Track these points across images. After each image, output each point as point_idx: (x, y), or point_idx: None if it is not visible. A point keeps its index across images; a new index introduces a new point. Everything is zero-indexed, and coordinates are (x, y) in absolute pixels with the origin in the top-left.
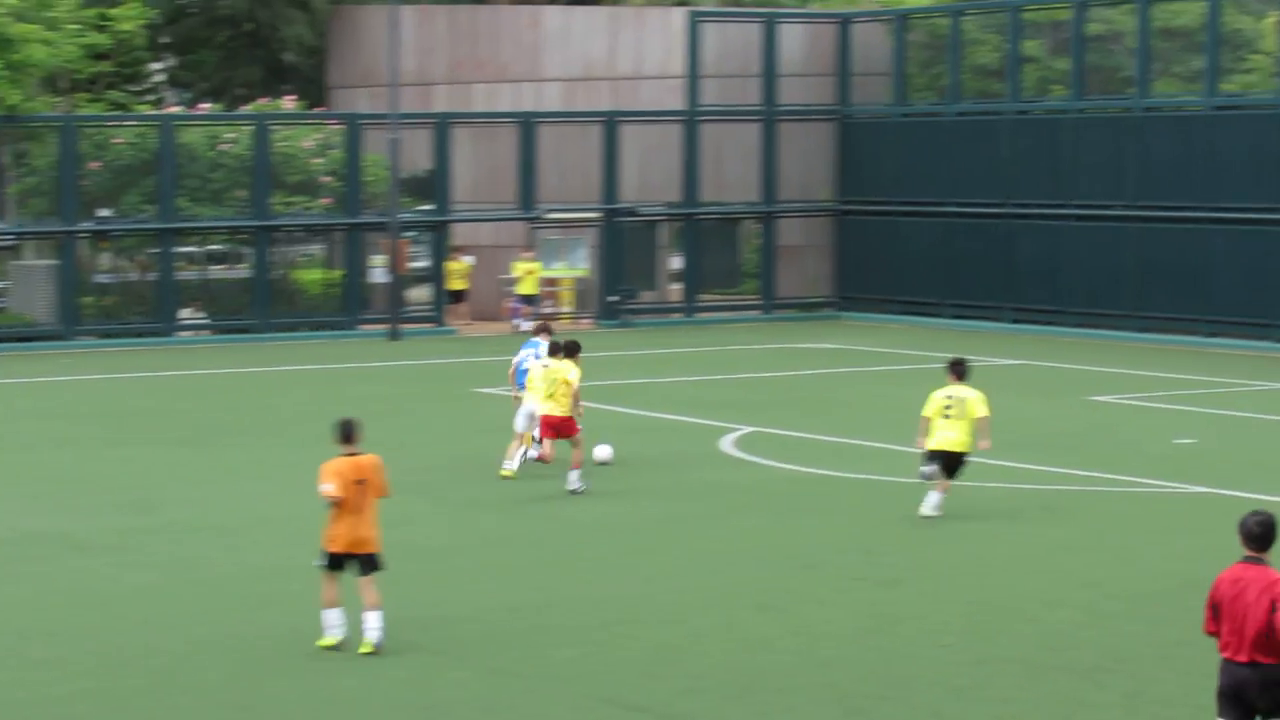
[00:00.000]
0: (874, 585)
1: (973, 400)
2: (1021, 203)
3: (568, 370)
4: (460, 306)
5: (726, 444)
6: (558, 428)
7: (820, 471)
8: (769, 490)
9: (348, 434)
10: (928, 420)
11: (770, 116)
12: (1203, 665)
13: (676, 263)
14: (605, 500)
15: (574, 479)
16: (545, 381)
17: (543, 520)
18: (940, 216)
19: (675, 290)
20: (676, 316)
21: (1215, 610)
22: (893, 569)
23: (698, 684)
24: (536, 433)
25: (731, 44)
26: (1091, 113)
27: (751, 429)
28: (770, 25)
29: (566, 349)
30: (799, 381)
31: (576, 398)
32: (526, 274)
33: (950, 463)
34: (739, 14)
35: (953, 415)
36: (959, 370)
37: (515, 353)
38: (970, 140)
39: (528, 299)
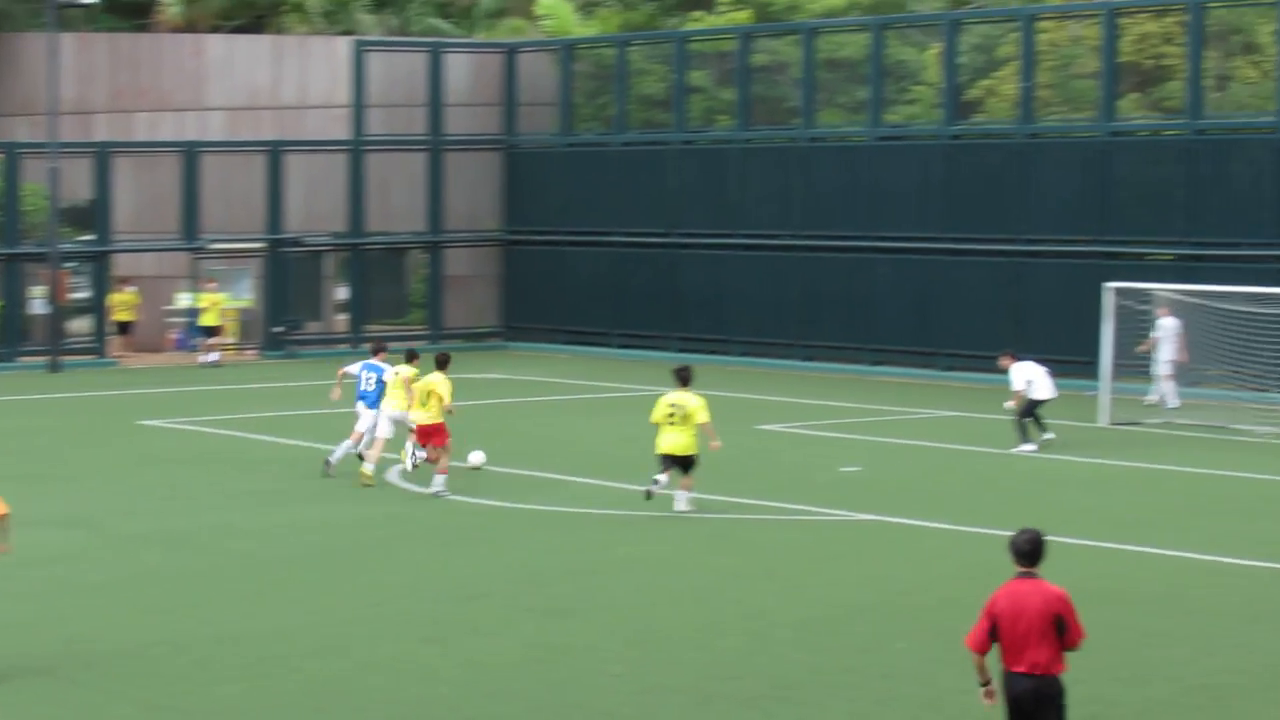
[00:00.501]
0: (542, 615)
1: (694, 406)
2: (688, 232)
3: (439, 381)
4: (126, 339)
5: (393, 475)
6: (430, 434)
7: (487, 502)
8: (435, 522)
9: None
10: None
11: (436, 146)
12: (869, 692)
13: (343, 293)
14: (272, 532)
15: (439, 482)
16: (418, 391)
17: (208, 554)
18: (607, 246)
19: (341, 321)
20: (343, 347)
21: (993, 625)
22: (561, 599)
23: (362, 717)
24: (410, 441)
25: (397, 73)
26: (757, 143)
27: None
28: (436, 55)
29: (438, 361)
30: (467, 412)
31: (448, 407)
32: (211, 305)
33: (681, 464)
34: (404, 43)
35: (676, 421)
36: (683, 377)
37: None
38: (636, 170)
39: (209, 330)
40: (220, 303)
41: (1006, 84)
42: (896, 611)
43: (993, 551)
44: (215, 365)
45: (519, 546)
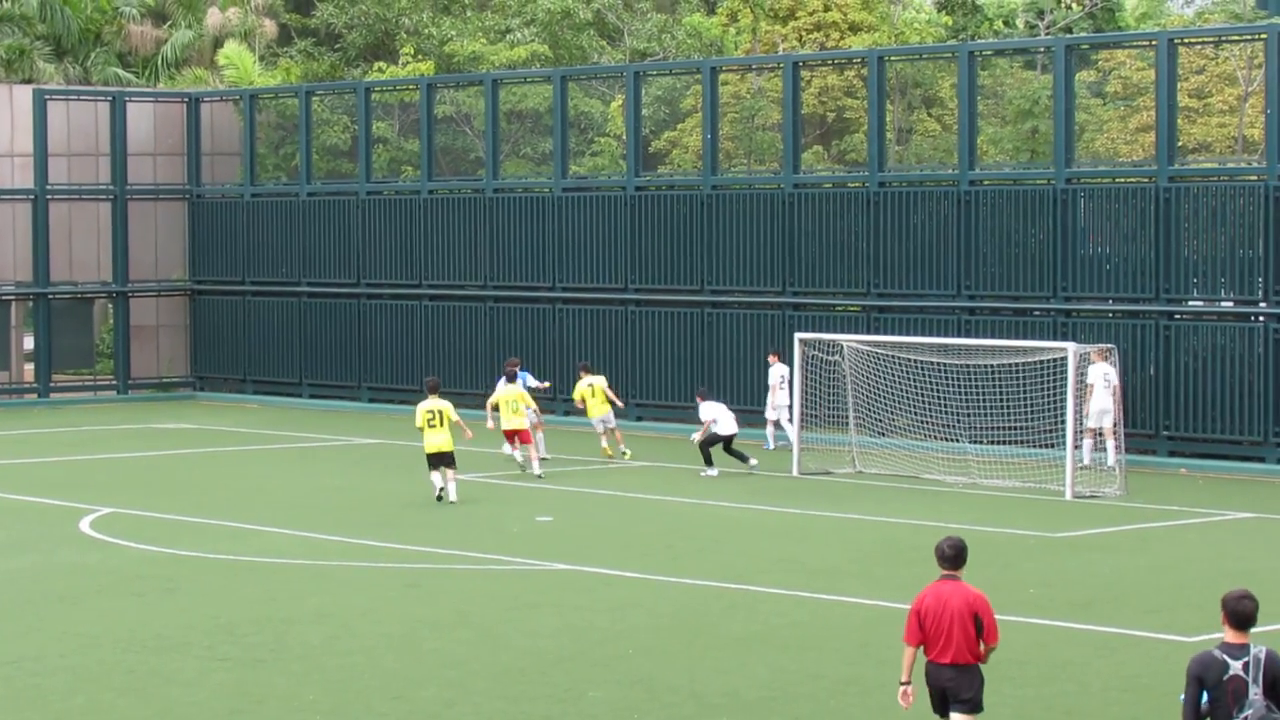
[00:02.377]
0: (238, 665)
1: (447, 409)
2: (376, 282)
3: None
4: None
5: (85, 525)
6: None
7: (179, 552)
8: (129, 571)
9: None
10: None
11: (121, 195)
12: None
13: (29, 343)
14: None
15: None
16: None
17: None
18: (294, 296)
19: (28, 370)
20: (30, 397)
21: (920, 621)
22: (256, 649)
23: None
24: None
25: (80, 122)
26: (443, 193)
27: (110, 510)
28: (119, 103)
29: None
30: (156, 462)
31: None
32: None
33: (445, 460)
34: (86, 92)
35: (436, 424)
36: (433, 386)
37: None
38: (323, 220)
39: None
40: None
41: (691, 136)
42: (592, 660)
43: (685, 600)
44: None
45: (213, 597)
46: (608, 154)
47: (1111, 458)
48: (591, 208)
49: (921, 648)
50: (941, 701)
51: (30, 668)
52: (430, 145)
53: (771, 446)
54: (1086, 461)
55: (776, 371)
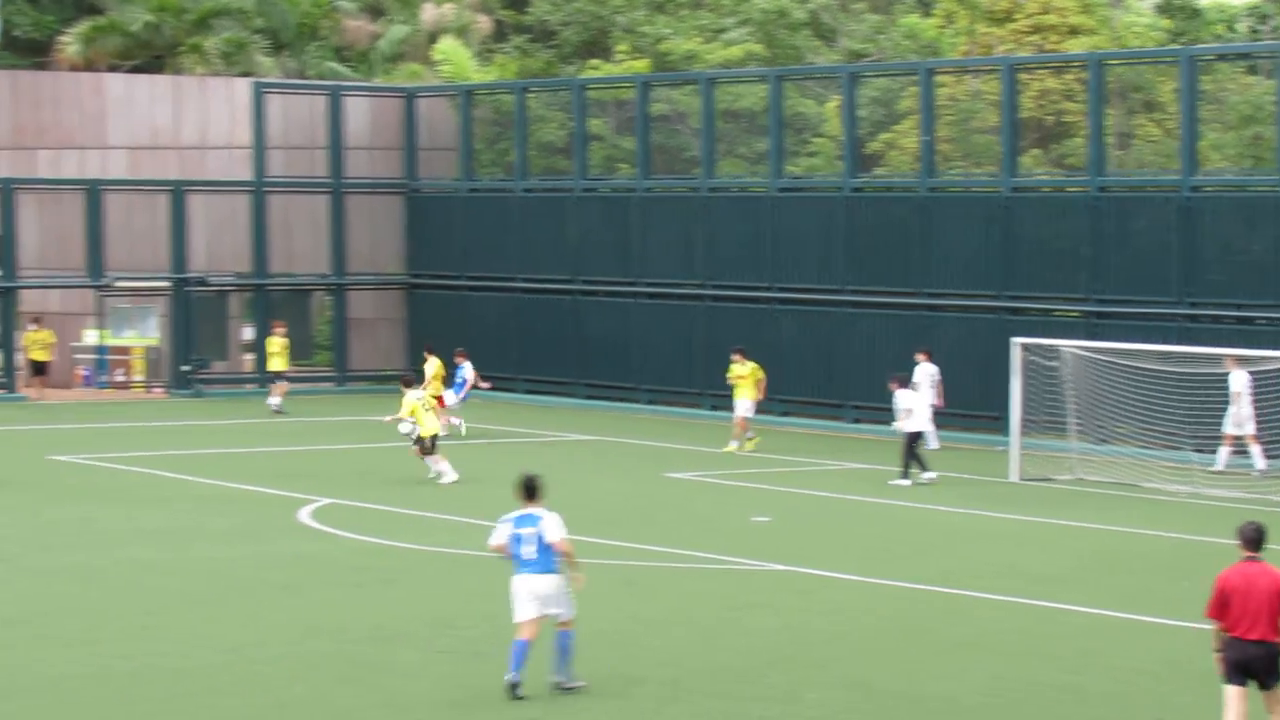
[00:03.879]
0: (457, 657)
1: (427, 395)
2: (590, 279)
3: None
4: (41, 378)
5: (304, 515)
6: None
7: (398, 544)
8: (348, 562)
9: None
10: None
11: (338, 189)
12: None
13: (248, 333)
14: (184, 569)
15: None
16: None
17: (121, 590)
18: (509, 291)
19: (248, 361)
20: (249, 387)
21: (1224, 599)
22: (475, 641)
23: None
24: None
25: (297, 115)
26: (658, 191)
27: (329, 500)
28: (335, 97)
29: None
30: (374, 454)
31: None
32: (33, 343)
33: (434, 443)
34: (303, 86)
35: (429, 407)
36: (407, 381)
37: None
38: (538, 216)
39: (37, 367)
40: (45, 341)
41: (907, 137)
42: (809, 662)
43: (903, 603)
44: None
45: (432, 589)
46: (823, 155)
47: (1261, 463)
48: (807, 208)
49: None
50: (1240, 675)
51: (251, 655)
52: (646, 143)
53: (936, 446)
54: (1221, 466)
55: (924, 371)
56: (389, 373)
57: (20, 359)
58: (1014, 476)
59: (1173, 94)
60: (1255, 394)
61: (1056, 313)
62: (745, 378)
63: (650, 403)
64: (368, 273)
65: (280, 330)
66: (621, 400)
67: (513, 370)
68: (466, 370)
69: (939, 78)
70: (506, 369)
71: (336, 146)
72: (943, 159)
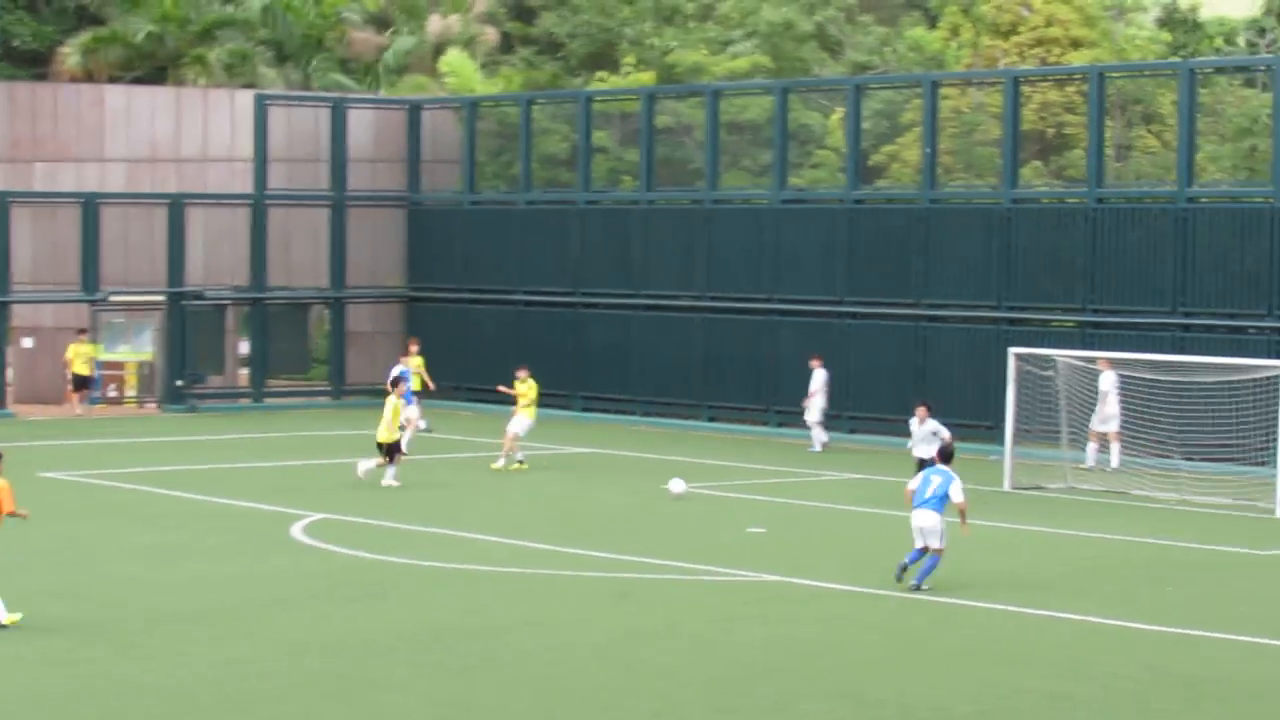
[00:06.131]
0: (447, 673)
1: (393, 405)
2: (592, 291)
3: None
4: (82, 393)
5: (297, 530)
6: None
7: (390, 559)
8: (340, 578)
9: None
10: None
11: (340, 201)
12: None
13: (244, 348)
14: (174, 586)
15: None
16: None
17: (109, 607)
18: (511, 304)
19: (243, 375)
20: (245, 402)
21: None
22: (465, 657)
23: None
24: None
25: (300, 127)
26: (661, 204)
27: (322, 515)
28: (339, 109)
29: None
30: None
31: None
32: (76, 355)
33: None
34: (306, 98)
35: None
36: (396, 384)
37: None
38: (541, 229)
39: (82, 381)
40: (89, 354)
41: (910, 150)
42: (801, 673)
43: (894, 613)
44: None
45: (423, 604)
46: (827, 167)
47: (1116, 460)
48: (810, 220)
49: None
50: None
51: (241, 671)
52: (650, 155)
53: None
54: (1091, 464)
55: (820, 377)
56: (385, 387)
57: (8, 372)
58: (1007, 485)
59: (1171, 106)
60: (1234, 402)
61: (1054, 323)
62: (527, 395)
63: (647, 414)
64: (367, 286)
65: (415, 348)
66: (619, 413)
67: (511, 383)
68: (410, 364)
69: (943, 90)
70: (505, 381)
71: (339, 159)
72: (944, 171)
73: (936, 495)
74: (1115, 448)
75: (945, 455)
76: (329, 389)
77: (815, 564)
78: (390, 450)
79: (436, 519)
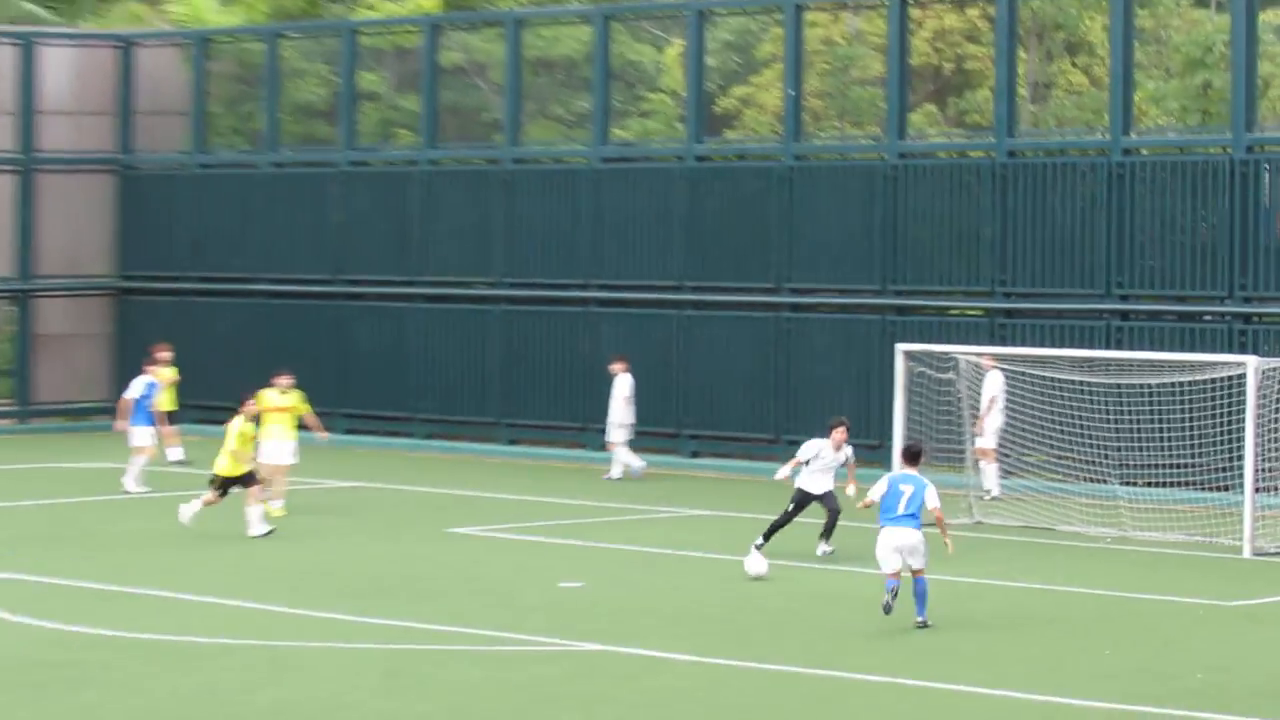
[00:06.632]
0: None
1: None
2: (358, 279)
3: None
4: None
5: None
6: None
7: (94, 630)
8: (29, 657)
9: None
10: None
11: (28, 166)
12: None
13: None
14: None
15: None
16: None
17: None
18: (252, 296)
19: None
20: None
21: None
22: None
23: None
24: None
25: None
26: (448, 165)
27: (4, 576)
28: (28, 48)
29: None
30: (66, 513)
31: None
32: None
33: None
34: None
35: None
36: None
37: None
38: (292, 199)
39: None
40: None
41: (768, 92)
42: None
43: (756, 689)
44: None
45: (135, 689)
46: (661, 115)
47: (994, 485)
48: (639, 184)
49: None
50: None
51: None
52: (433, 104)
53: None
54: (995, 492)
55: (624, 382)
56: (86, 405)
57: None
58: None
59: (1102, 33)
60: (1188, 410)
61: (954, 311)
62: (288, 411)
63: (430, 437)
64: (64, 275)
65: (166, 355)
66: (394, 435)
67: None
68: (159, 376)
69: (810, 15)
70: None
71: (27, 112)
72: (812, 119)
73: (912, 507)
74: (991, 470)
75: (913, 455)
76: (13, 409)
77: (648, 627)
78: (242, 482)
79: (151, 579)
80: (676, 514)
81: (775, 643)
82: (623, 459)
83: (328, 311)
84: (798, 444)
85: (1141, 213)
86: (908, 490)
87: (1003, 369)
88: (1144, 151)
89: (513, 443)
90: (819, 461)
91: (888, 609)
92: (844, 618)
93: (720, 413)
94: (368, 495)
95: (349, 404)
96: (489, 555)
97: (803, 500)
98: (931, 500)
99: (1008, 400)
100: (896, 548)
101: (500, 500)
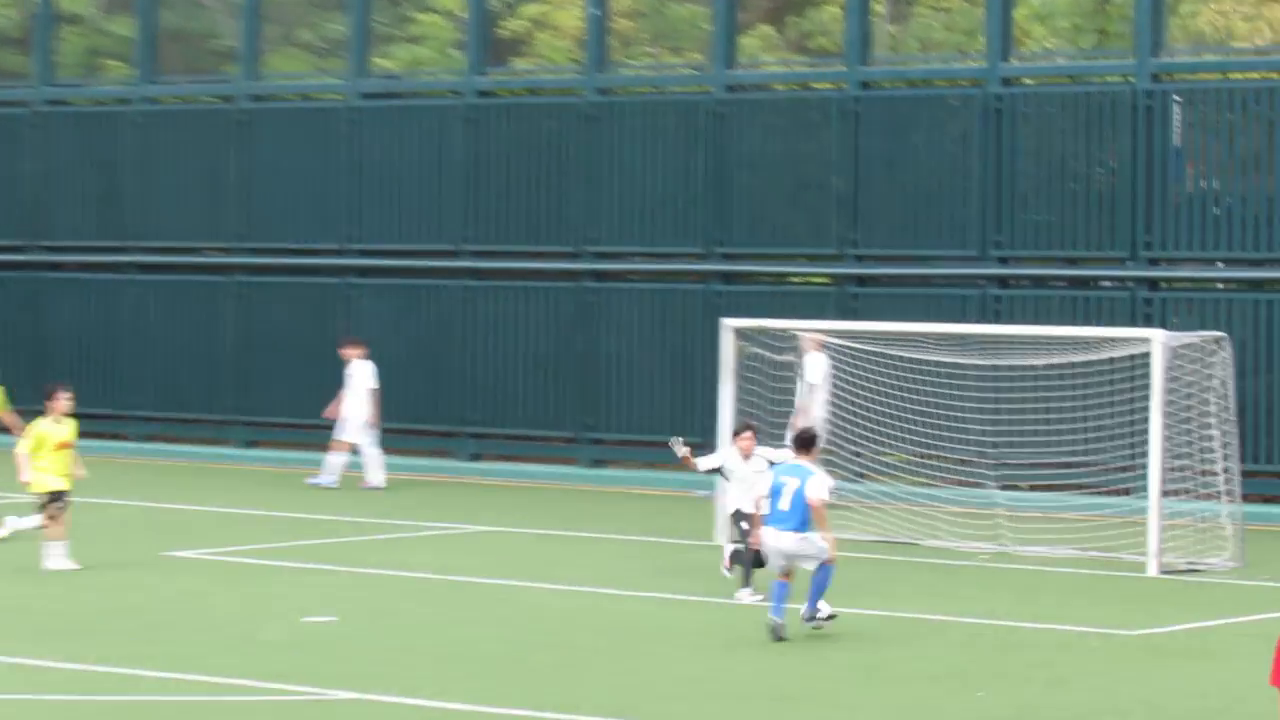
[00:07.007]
0: None
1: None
2: (57, 245)
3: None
4: None
5: None
6: None
7: None
8: None
9: None
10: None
11: None
12: None
13: None
14: None
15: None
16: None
17: None
18: None
19: None
20: None
21: None
22: None
23: None
24: None
25: None
26: (168, 103)
27: None
28: None
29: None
30: None
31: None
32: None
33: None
34: None
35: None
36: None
37: None
38: None
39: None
40: None
41: (564, 12)
42: None
43: None
44: None
45: None
46: (434, 41)
47: None
48: (408, 125)
49: None
50: None
51: None
52: (151, 28)
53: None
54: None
55: (363, 370)
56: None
57: None
58: (722, 538)
59: None
60: (1081, 397)
61: (794, 278)
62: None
63: (146, 439)
64: None
65: None
66: (104, 436)
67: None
68: None
69: None
70: None
71: None
72: (622, 45)
73: (795, 505)
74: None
75: (804, 443)
76: None
77: (412, 670)
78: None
79: None
80: (451, 531)
81: (573, 688)
82: (338, 465)
83: (19, 285)
84: (601, 443)
85: (1025, 157)
86: (791, 484)
87: (834, 349)
88: (1027, 81)
89: (250, 445)
90: (736, 476)
91: (775, 632)
92: (665, 656)
93: (507, 406)
94: (69, 512)
95: (37, 399)
96: (219, 584)
97: (743, 518)
98: (811, 492)
99: (856, 388)
100: (778, 550)
101: (234, 516)
